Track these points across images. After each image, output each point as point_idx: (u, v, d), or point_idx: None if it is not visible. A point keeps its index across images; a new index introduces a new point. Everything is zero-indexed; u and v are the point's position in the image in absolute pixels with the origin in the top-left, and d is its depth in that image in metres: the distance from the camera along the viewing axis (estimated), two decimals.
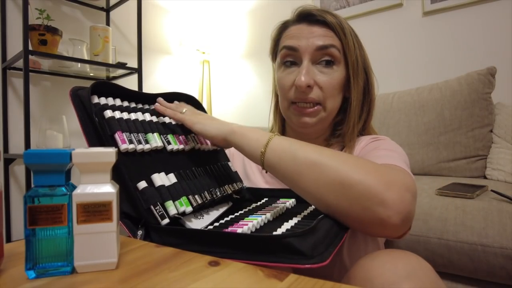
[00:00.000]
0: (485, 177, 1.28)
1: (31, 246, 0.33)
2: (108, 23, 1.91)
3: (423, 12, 1.67)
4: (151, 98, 0.61)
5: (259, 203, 0.60)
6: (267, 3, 2.27)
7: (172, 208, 0.46)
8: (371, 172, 0.43)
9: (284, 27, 0.70)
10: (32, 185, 0.33)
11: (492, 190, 0.95)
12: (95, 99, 0.50)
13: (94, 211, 0.33)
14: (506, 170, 1.21)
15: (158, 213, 0.44)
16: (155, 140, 0.52)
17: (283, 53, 0.67)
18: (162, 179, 0.49)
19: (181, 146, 0.57)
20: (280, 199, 0.61)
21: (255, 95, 2.35)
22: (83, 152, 0.33)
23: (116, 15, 1.96)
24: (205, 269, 0.34)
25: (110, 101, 0.52)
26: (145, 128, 0.53)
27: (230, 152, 0.75)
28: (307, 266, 0.34)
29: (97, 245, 0.34)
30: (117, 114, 0.50)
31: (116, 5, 1.86)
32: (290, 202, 0.58)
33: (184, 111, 0.60)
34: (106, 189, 0.34)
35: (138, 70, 1.75)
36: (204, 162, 0.60)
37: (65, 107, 1.76)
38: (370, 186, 0.41)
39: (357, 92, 0.67)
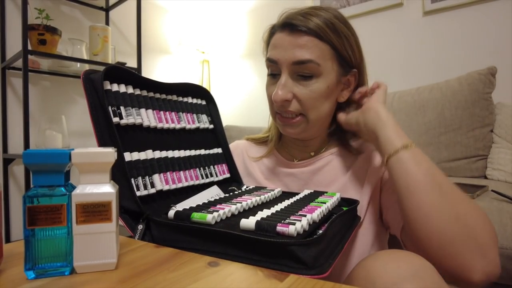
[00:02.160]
0: (485, 177, 1.28)
1: (30, 246, 0.32)
2: (107, 23, 1.91)
3: (424, 12, 1.67)
4: (163, 88, 0.60)
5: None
6: (267, 3, 2.27)
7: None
8: (487, 224, 0.48)
9: (272, 32, 0.67)
10: (31, 185, 0.33)
11: (492, 190, 0.95)
12: (107, 85, 0.49)
13: (94, 211, 0.33)
14: (506, 170, 1.20)
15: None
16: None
17: (266, 64, 0.66)
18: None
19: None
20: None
21: (255, 95, 2.35)
22: (83, 152, 0.33)
23: (115, 14, 1.96)
24: (204, 270, 0.34)
25: (122, 88, 0.51)
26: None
27: (231, 148, 0.75)
28: (306, 276, 0.34)
29: (96, 245, 0.33)
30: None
31: (116, 4, 1.86)
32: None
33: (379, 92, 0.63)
34: (106, 189, 0.34)
35: (138, 70, 1.75)
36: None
37: (64, 107, 1.76)
38: (486, 243, 0.47)
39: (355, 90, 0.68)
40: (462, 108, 1.30)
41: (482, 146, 1.29)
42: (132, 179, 0.47)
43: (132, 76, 0.53)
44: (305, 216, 0.41)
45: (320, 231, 0.43)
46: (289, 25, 0.62)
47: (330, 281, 0.32)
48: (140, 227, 0.43)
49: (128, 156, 0.48)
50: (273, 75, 0.66)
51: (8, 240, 1.51)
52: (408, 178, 0.50)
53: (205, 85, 2.29)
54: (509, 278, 0.79)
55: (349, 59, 0.64)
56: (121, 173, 0.45)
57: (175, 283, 0.31)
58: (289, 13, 0.64)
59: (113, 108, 0.48)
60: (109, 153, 0.34)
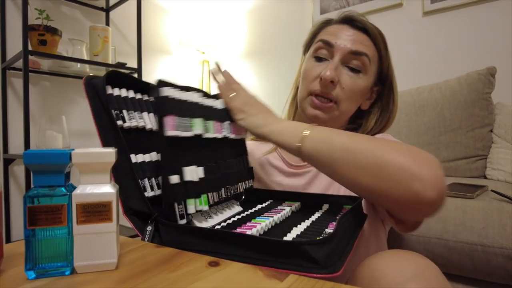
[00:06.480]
0: (485, 177, 1.28)
1: (30, 246, 0.32)
2: (107, 23, 1.91)
3: (423, 12, 1.67)
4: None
5: (264, 204, 0.60)
6: (266, 3, 2.27)
7: (192, 206, 0.47)
8: (403, 151, 0.44)
9: (326, 23, 0.72)
10: (32, 186, 0.33)
11: (492, 190, 0.95)
12: (109, 90, 0.49)
13: (94, 212, 0.33)
14: (506, 170, 1.20)
15: (179, 212, 0.45)
16: (198, 126, 0.53)
17: (317, 46, 0.68)
18: (191, 173, 0.49)
19: (215, 135, 0.58)
20: (286, 202, 0.61)
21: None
22: (83, 152, 0.33)
23: (115, 15, 1.96)
24: (205, 269, 0.34)
25: (124, 92, 0.51)
26: (193, 111, 0.53)
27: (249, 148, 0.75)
28: (320, 275, 0.33)
29: (97, 245, 0.34)
30: (173, 93, 0.51)
31: (116, 5, 1.86)
32: (296, 206, 0.58)
33: (232, 95, 0.62)
34: (106, 189, 0.34)
35: (138, 70, 1.75)
36: (229, 153, 0.61)
37: (64, 107, 1.76)
38: (405, 163, 0.42)
39: (381, 106, 0.72)
40: (462, 108, 1.30)
41: (481, 146, 1.29)
42: (139, 180, 0.47)
43: (133, 81, 0.53)
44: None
45: (328, 230, 0.43)
46: (350, 20, 0.68)
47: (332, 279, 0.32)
48: (149, 228, 0.43)
49: (133, 158, 0.48)
50: (319, 59, 0.68)
51: (8, 240, 1.51)
52: (323, 161, 0.50)
53: (205, 86, 2.29)
54: (509, 278, 0.79)
55: (385, 72, 0.70)
56: (128, 175, 0.45)
57: (175, 283, 0.31)
58: (352, 12, 0.69)
59: (115, 111, 0.48)
60: (110, 153, 0.34)
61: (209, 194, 0.51)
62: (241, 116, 0.60)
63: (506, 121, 1.29)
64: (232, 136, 0.62)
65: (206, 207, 0.49)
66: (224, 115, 0.62)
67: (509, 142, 1.26)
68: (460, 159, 1.31)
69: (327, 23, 0.72)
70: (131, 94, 0.53)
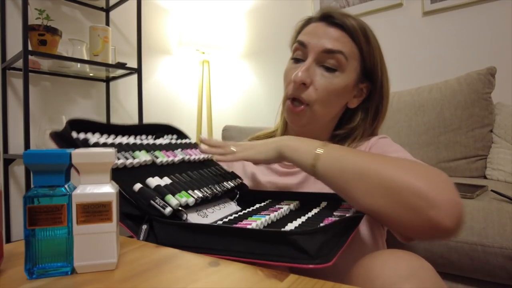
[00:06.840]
0: (485, 177, 1.28)
1: (30, 246, 0.33)
2: (107, 23, 1.91)
3: (423, 12, 1.67)
4: (129, 130, 0.60)
5: (262, 203, 0.60)
6: (266, 3, 2.27)
7: (173, 200, 0.47)
8: (418, 174, 0.43)
9: (306, 23, 0.70)
10: (32, 186, 0.33)
11: (492, 190, 0.95)
12: (74, 135, 0.51)
13: (94, 212, 0.33)
14: (506, 170, 1.20)
15: (159, 205, 0.45)
16: (143, 155, 0.53)
17: (294, 47, 0.67)
18: (157, 181, 0.49)
19: (170, 158, 0.57)
20: (284, 201, 0.61)
21: (254, 95, 2.35)
22: (83, 152, 0.33)
23: (115, 15, 1.96)
24: (205, 269, 0.34)
25: (89, 136, 0.53)
26: (131, 148, 0.54)
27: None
28: (310, 266, 0.33)
29: (97, 245, 0.34)
30: (102, 140, 0.52)
31: (116, 5, 1.86)
32: (294, 204, 0.58)
33: (233, 149, 0.60)
34: (106, 190, 0.34)
35: (138, 70, 1.75)
36: (198, 168, 0.60)
37: (65, 107, 1.76)
38: (420, 189, 0.41)
39: (373, 103, 0.69)
40: (462, 108, 1.30)
41: (481, 146, 1.29)
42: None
43: (95, 125, 0.55)
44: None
45: (322, 224, 0.43)
46: (327, 17, 0.65)
47: (330, 275, 0.32)
48: (144, 227, 0.43)
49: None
50: (297, 60, 0.66)
51: (8, 240, 1.51)
52: (335, 182, 0.49)
53: (205, 86, 2.29)
54: (509, 278, 0.79)
55: (370, 67, 0.66)
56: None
57: (175, 283, 0.31)
58: (330, 8, 0.67)
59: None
60: (109, 153, 0.34)
61: (189, 191, 0.50)
62: (252, 153, 0.58)
63: (506, 121, 1.29)
64: (192, 157, 0.61)
65: (191, 199, 0.48)
66: (173, 146, 0.62)
67: (509, 142, 1.26)
68: (460, 159, 1.31)
69: (307, 22, 0.70)
70: (97, 136, 0.54)
